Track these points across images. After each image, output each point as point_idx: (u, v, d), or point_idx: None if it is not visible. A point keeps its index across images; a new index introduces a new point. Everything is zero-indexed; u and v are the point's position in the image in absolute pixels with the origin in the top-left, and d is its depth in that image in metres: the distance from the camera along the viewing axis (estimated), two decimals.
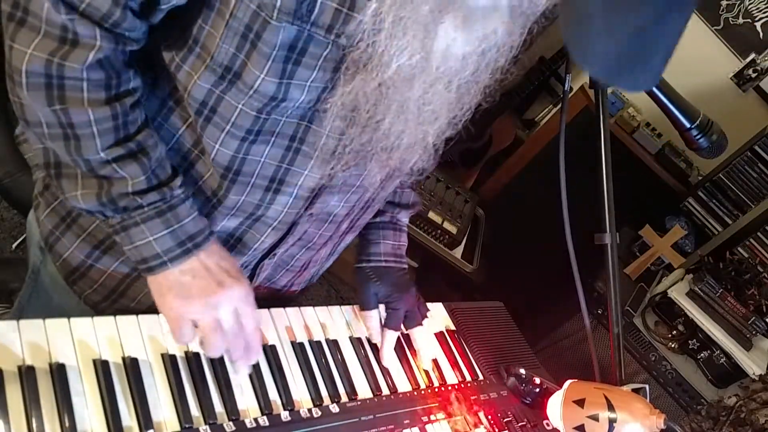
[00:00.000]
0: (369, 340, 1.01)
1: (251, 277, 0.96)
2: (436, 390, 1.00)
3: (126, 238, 0.76)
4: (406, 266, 1.08)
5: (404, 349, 1.04)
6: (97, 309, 0.94)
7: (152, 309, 0.93)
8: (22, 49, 0.67)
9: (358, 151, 0.79)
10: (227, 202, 0.83)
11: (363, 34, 0.67)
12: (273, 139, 0.79)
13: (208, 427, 0.75)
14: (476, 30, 0.69)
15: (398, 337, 1.04)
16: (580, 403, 0.90)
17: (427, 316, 1.05)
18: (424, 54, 0.68)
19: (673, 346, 2.25)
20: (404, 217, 1.11)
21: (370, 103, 0.73)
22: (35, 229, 0.93)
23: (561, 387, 0.95)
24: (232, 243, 0.89)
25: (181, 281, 0.77)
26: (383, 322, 1.01)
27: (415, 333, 1.03)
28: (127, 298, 0.92)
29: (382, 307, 1.03)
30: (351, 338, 0.99)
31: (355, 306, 1.05)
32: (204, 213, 0.83)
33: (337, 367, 0.93)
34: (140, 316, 0.81)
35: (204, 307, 0.77)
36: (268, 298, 1.04)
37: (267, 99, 0.73)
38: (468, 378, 1.07)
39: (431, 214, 2.27)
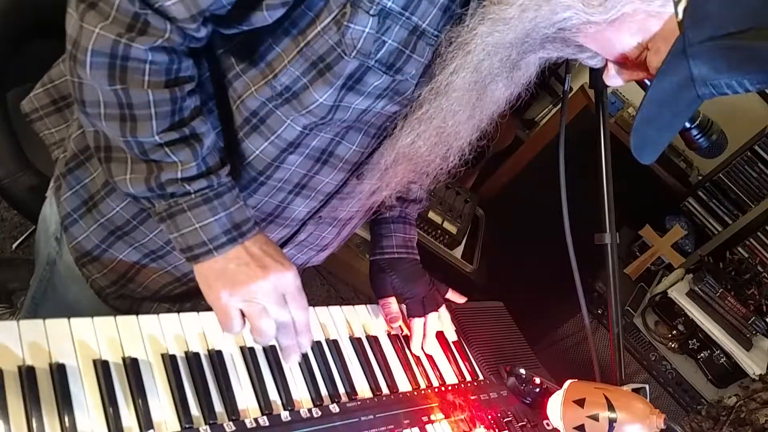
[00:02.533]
0: (369, 340, 1.01)
1: None
2: (436, 390, 1.00)
3: (173, 225, 0.76)
4: (417, 257, 1.13)
5: (404, 349, 1.04)
6: (101, 294, 0.96)
7: (156, 295, 0.96)
8: (89, 28, 0.67)
9: (378, 162, 0.86)
10: (250, 201, 0.87)
11: (434, 92, 0.76)
12: (307, 151, 0.83)
13: (208, 427, 0.75)
14: (517, 81, 0.78)
15: (398, 336, 1.04)
16: (580, 403, 0.90)
17: (445, 299, 1.11)
18: (477, 108, 0.78)
19: (673, 345, 2.25)
20: (413, 212, 1.16)
21: (425, 147, 0.81)
22: (52, 216, 0.94)
23: (561, 387, 0.95)
24: None
25: (227, 269, 0.77)
26: (407, 313, 1.07)
27: (429, 317, 1.07)
28: (134, 283, 0.94)
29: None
30: (351, 338, 0.99)
31: (356, 306, 1.05)
32: None
33: (337, 367, 0.93)
34: (140, 316, 0.81)
35: (250, 293, 0.76)
36: None
37: (317, 118, 0.78)
38: (468, 378, 1.07)
39: (431, 214, 2.28)
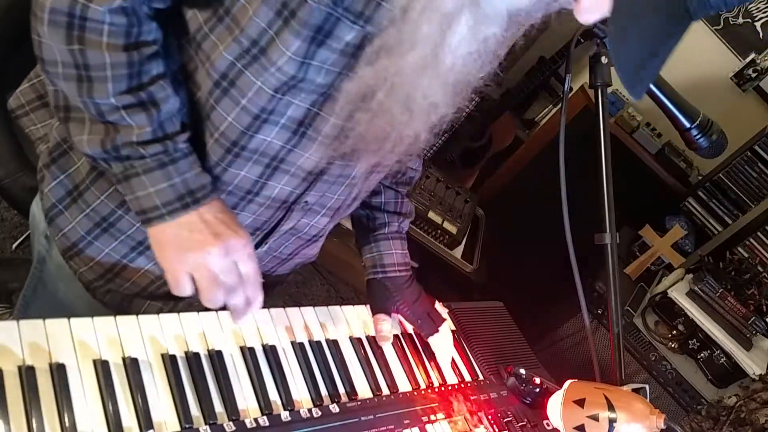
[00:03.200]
0: (369, 340, 1.01)
1: None
2: (436, 390, 1.00)
3: (127, 187, 0.77)
4: (410, 272, 1.12)
5: (404, 349, 1.04)
6: (90, 288, 0.95)
7: (145, 291, 0.94)
8: None
9: (360, 137, 0.81)
10: (225, 176, 0.84)
11: (390, 22, 0.70)
12: (282, 121, 0.80)
13: (208, 427, 0.75)
14: (482, 30, 0.71)
15: (398, 336, 1.04)
16: (580, 403, 0.90)
17: (443, 320, 1.09)
18: (439, 46, 0.71)
19: (673, 345, 2.25)
20: (406, 227, 1.16)
21: (384, 91, 0.74)
22: (39, 214, 0.94)
23: (561, 387, 0.95)
24: None
25: (180, 234, 0.78)
26: (422, 333, 1.07)
27: (432, 342, 1.07)
28: (121, 278, 0.93)
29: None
30: (351, 338, 0.99)
31: (356, 306, 1.05)
32: None
33: (337, 367, 0.93)
34: (140, 316, 0.81)
35: (200, 259, 0.77)
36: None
37: (287, 78, 0.75)
38: (468, 378, 1.07)
39: (431, 214, 2.27)
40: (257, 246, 0.95)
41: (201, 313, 0.86)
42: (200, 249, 0.77)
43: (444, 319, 1.09)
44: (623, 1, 0.63)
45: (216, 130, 0.81)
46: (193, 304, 0.83)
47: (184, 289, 0.79)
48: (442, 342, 1.06)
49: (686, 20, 0.60)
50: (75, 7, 0.69)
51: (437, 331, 1.06)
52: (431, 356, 1.06)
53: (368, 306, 1.06)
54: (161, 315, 0.82)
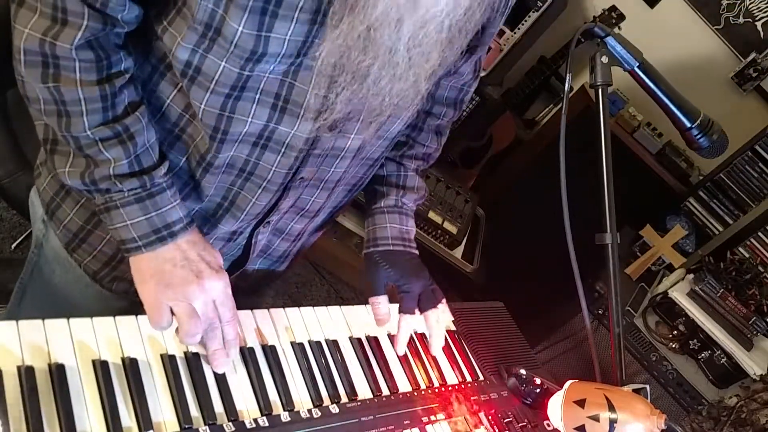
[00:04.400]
0: (369, 340, 1.00)
1: (248, 248, 0.99)
2: (437, 390, 1.00)
3: (107, 218, 0.80)
4: (416, 251, 1.07)
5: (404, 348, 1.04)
6: (96, 278, 0.96)
7: None
8: (20, 28, 0.71)
9: (347, 103, 0.79)
10: (217, 162, 0.85)
11: None
12: (257, 96, 0.79)
13: (207, 427, 0.75)
14: None
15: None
16: (581, 403, 0.89)
17: (442, 300, 1.04)
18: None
19: (673, 346, 2.25)
20: (409, 201, 1.09)
21: (358, 49, 0.71)
22: (37, 201, 0.96)
23: (561, 387, 0.95)
24: (226, 206, 0.91)
25: (162, 269, 0.80)
26: (399, 308, 1.01)
27: (430, 316, 1.02)
28: (126, 264, 0.92)
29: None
30: (351, 338, 0.98)
31: (356, 306, 1.05)
32: (197, 176, 0.86)
33: (337, 368, 0.92)
34: (139, 316, 0.80)
35: (181, 295, 0.79)
36: (264, 278, 1.08)
37: (247, 53, 0.74)
38: (468, 378, 1.06)
39: (431, 214, 2.27)
40: (260, 223, 0.95)
41: None
42: (181, 285, 0.79)
43: (442, 298, 1.04)
44: None
45: (198, 119, 0.81)
46: None
47: (162, 321, 0.79)
48: (436, 319, 1.02)
49: None
50: (44, 46, 0.71)
51: (435, 306, 1.02)
52: (431, 356, 1.06)
53: (368, 306, 1.06)
54: None
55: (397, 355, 1.01)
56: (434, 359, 1.05)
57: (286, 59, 0.75)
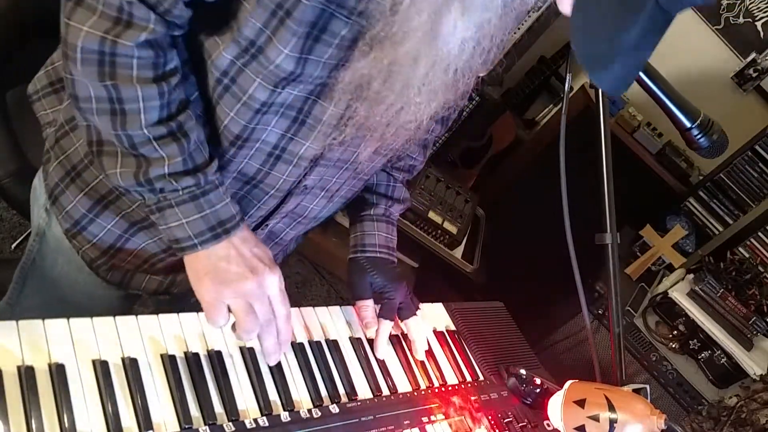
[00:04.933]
0: (369, 340, 1.00)
1: None
2: (436, 390, 1.00)
3: (161, 218, 0.80)
4: (395, 260, 1.10)
5: (404, 349, 1.04)
6: (93, 266, 0.96)
7: (145, 265, 0.97)
8: (77, 26, 0.70)
9: (359, 125, 0.82)
10: (230, 167, 0.86)
11: (381, 15, 0.71)
12: (282, 110, 0.82)
13: (207, 427, 0.75)
14: (474, 17, 0.72)
15: (398, 337, 1.04)
16: (581, 403, 0.89)
17: (419, 308, 1.06)
18: (432, 36, 0.72)
19: (673, 346, 2.25)
20: (396, 212, 1.14)
21: (379, 80, 0.76)
22: (41, 189, 0.97)
23: (561, 387, 0.94)
24: None
25: (217, 266, 0.80)
26: (378, 312, 1.02)
27: (410, 323, 1.03)
28: (123, 253, 0.95)
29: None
30: (351, 338, 0.98)
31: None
32: None
33: (336, 368, 0.93)
34: (140, 316, 0.80)
35: (238, 292, 0.80)
36: None
37: (285, 74, 0.76)
38: (468, 378, 1.06)
39: (431, 214, 2.27)
40: (257, 228, 0.97)
41: (200, 314, 0.86)
42: (238, 282, 0.80)
43: (419, 306, 1.07)
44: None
45: (221, 124, 0.83)
46: (188, 287, 0.84)
47: (220, 318, 0.80)
48: (420, 326, 1.04)
49: (660, 14, 0.61)
50: (105, 45, 0.71)
51: (415, 314, 1.04)
52: (431, 356, 1.06)
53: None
54: (161, 315, 0.82)
55: (377, 359, 1.00)
56: (434, 360, 1.05)
57: (317, 80, 0.78)
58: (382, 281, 1.03)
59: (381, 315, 1.01)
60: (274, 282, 0.82)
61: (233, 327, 0.82)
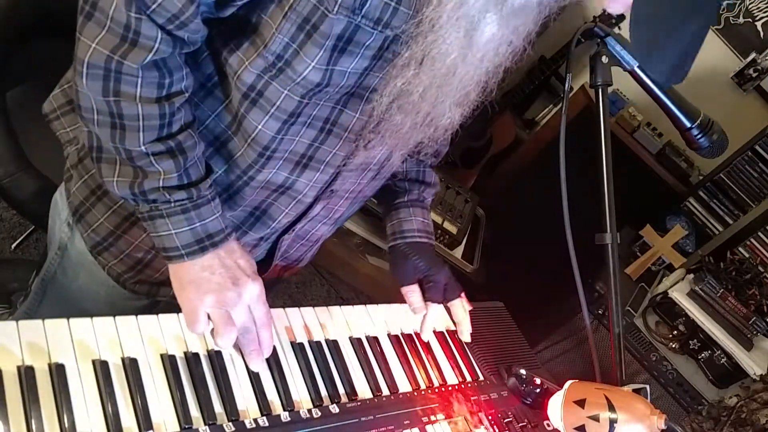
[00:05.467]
0: (369, 340, 1.01)
1: (272, 253, 1.02)
2: (437, 390, 1.00)
3: (151, 226, 0.82)
4: (434, 242, 1.12)
5: (404, 348, 1.04)
6: (120, 281, 0.97)
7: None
8: (86, 42, 0.71)
9: (389, 132, 0.84)
10: (259, 177, 0.87)
11: (418, 31, 0.72)
12: (309, 120, 0.83)
13: (207, 427, 0.75)
14: (511, 24, 0.74)
15: (398, 336, 1.04)
16: (581, 403, 0.89)
17: (462, 291, 1.09)
18: (469, 49, 0.74)
19: (673, 346, 2.25)
20: (429, 196, 1.16)
21: (416, 94, 0.78)
22: (63, 204, 0.97)
23: (561, 387, 0.94)
24: (258, 215, 0.94)
25: (200, 276, 0.82)
26: (425, 297, 1.05)
27: (455, 305, 1.07)
28: (151, 268, 0.96)
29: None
30: (351, 338, 0.98)
31: (356, 306, 1.05)
32: (235, 187, 0.89)
33: (336, 368, 0.92)
34: (140, 316, 0.81)
35: (218, 301, 0.81)
36: (279, 275, 1.11)
37: (312, 86, 0.77)
38: (468, 378, 1.06)
39: (431, 214, 2.27)
40: (285, 232, 0.99)
41: None
42: (218, 291, 0.81)
43: (462, 289, 1.10)
44: (651, 9, 0.65)
45: (249, 136, 0.83)
46: None
47: (199, 326, 0.82)
48: (464, 308, 1.08)
49: (713, 6, 0.63)
50: (111, 63, 0.72)
51: (459, 296, 1.08)
52: (431, 356, 1.06)
53: (368, 306, 1.06)
54: (161, 315, 0.82)
55: (397, 355, 1.01)
56: (434, 359, 1.06)
57: (343, 89, 0.80)
58: (425, 265, 1.06)
59: (428, 298, 1.05)
60: (254, 291, 0.84)
61: (212, 333, 0.83)
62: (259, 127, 0.82)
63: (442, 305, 1.07)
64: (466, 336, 1.08)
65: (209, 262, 0.82)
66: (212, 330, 0.82)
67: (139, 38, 0.70)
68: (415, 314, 1.05)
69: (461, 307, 1.08)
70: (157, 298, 1.01)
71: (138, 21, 0.69)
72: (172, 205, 0.80)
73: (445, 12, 0.70)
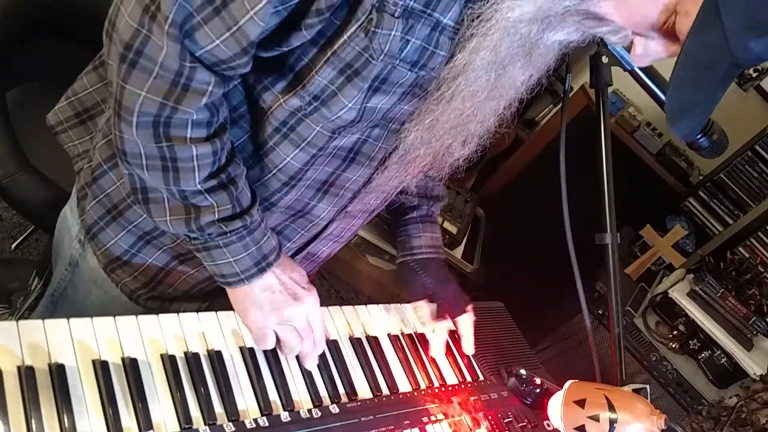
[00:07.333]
0: (369, 340, 1.01)
1: None
2: (437, 390, 1.00)
3: (208, 257, 0.83)
4: (443, 256, 1.15)
5: (404, 348, 1.04)
6: (133, 297, 0.97)
7: (187, 295, 0.99)
8: (135, 90, 0.69)
9: (409, 160, 0.87)
10: (280, 203, 0.89)
11: (454, 75, 0.75)
12: (335, 151, 0.85)
13: (207, 427, 0.75)
14: (536, 64, 0.77)
15: (398, 336, 1.04)
16: (581, 403, 0.89)
17: (469, 303, 1.11)
18: (497, 90, 0.77)
19: (673, 346, 2.25)
20: (437, 210, 1.19)
21: (442, 130, 0.81)
22: (74, 220, 0.96)
23: (561, 387, 0.94)
24: None
25: (262, 297, 0.84)
26: (437, 313, 1.09)
27: (459, 320, 1.09)
28: (165, 284, 0.97)
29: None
30: (351, 338, 0.98)
31: (356, 306, 1.05)
32: None
33: (336, 368, 0.93)
34: (140, 316, 0.80)
35: (284, 318, 0.85)
36: None
37: (346, 123, 0.79)
38: (468, 378, 1.06)
39: None
40: (299, 252, 1.01)
41: (200, 314, 0.86)
42: (282, 309, 0.85)
43: (469, 301, 1.12)
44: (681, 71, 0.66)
45: (275, 167, 0.85)
46: (225, 304, 0.88)
47: (269, 345, 0.86)
48: (468, 322, 1.10)
49: (735, 70, 0.64)
50: (164, 110, 0.70)
51: (465, 311, 1.09)
52: (431, 356, 1.06)
53: (368, 306, 1.06)
54: (161, 315, 0.82)
55: (397, 355, 1.02)
56: (434, 359, 1.06)
57: (371, 123, 0.82)
58: (432, 283, 1.09)
59: (437, 316, 1.08)
60: (313, 303, 0.87)
61: (277, 346, 0.87)
62: (288, 159, 0.83)
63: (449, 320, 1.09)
64: (468, 349, 1.09)
65: (268, 281, 0.84)
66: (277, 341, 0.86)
67: (192, 83, 0.69)
68: (424, 327, 1.08)
69: (467, 321, 1.09)
70: (169, 312, 1.01)
71: (192, 69, 0.68)
72: (229, 235, 0.80)
73: (479, 57, 0.72)
